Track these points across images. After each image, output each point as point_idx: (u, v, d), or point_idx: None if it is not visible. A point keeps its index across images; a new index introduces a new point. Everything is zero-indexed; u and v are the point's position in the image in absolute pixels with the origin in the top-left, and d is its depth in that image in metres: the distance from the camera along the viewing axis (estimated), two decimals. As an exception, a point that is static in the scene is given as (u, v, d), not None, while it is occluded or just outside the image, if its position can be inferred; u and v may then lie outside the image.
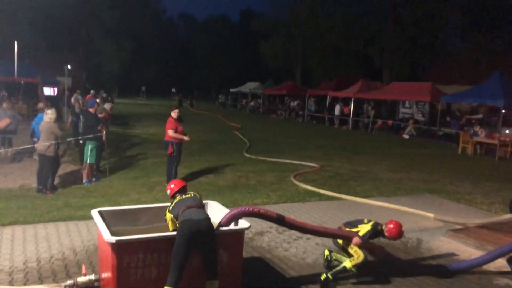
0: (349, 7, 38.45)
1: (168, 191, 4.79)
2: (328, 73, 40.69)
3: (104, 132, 9.84)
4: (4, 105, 11.91)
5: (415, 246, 6.38)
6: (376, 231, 5.11)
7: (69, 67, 26.40)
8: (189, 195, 4.62)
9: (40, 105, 9.68)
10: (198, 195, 4.68)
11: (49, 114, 8.61)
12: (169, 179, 9.02)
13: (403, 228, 5.15)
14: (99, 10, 45.78)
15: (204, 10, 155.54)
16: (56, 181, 9.14)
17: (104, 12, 46.12)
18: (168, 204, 4.67)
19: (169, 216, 4.53)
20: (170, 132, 9.19)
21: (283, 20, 45.42)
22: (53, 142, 8.41)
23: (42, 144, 8.44)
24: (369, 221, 5.24)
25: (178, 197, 4.60)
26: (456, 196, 9.47)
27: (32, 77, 20.79)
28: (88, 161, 9.37)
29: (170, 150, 9.22)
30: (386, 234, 5.11)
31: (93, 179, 9.47)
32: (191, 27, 75.99)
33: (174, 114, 9.35)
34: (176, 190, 4.73)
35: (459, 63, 31.07)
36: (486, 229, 6.87)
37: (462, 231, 6.85)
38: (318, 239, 6.17)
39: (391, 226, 5.09)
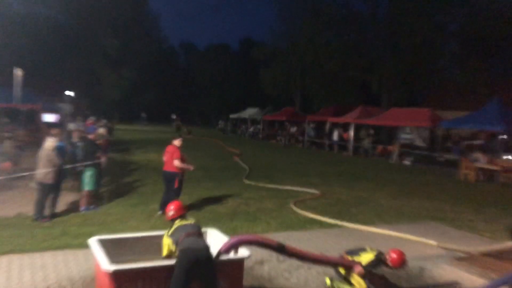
0: (347, 35, 39.03)
1: (172, 213, 4.72)
2: (327, 99, 41.00)
3: (103, 159, 9.81)
4: (6, 142, 11.88)
5: (417, 274, 6.27)
6: (379, 260, 5.04)
7: (70, 94, 26.67)
8: (190, 222, 4.58)
9: (55, 131, 9.60)
10: (197, 223, 4.63)
11: (50, 142, 8.57)
12: (163, 205, 8.79)
13: (405, 257, 5.08)
14: (100, 38, 46.49)
15: (204, 38, 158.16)
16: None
17: (105, 40, 46.83)
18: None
19: (167, 241, 4.45)
20: (177, 163, 8.79)
21: (282, 48, 46.10)
22: (51, 169, 8.35)
23: (40, 172, 8.38)
24: (371, 250, 5.17)
25: (177, 222, 4.55)
26: (459, 223, 9.38)
27: (33, 104, 20.90)
28: (86, 188, 9.30)
29: (176, 184, 8.89)
30: (389, 263, 5.04)
31: (91, 206, 9.37)
32: (191, 55, 77.00)
33: (178, 142, 9.00)
34: (178, 215, 4.69)
35: (458, 89, 31.29)
36: (490, 257, 6.76)
37: (465, 259, 6.74)
38: (320, 268, 6.06)
39: (394, 255, 5.03)
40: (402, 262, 5.04)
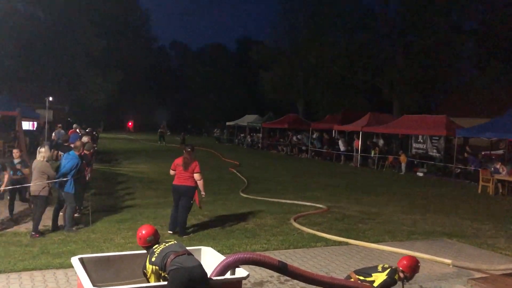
0: (354, 35, 39.25)
1: (150, 238, 4.70)
2: (333, 105, 41.15)
3: (88, 170, 9.83)
4: None
5: (433, 297, 6.29)
6: (393, 280, 5.05)
7: (50, 99, 26.74)
8: (172, 242, 4.60)
9: (78, 143, 9.69)
10: (181, 242, 4.66)
11: (43, 153, 8.67)
12: (184, 229, 8.84)
13: (418, 262, 5.27)
14: (84, 38, 46.58)
15: (198, 38, 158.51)
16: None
17: (90, 40, 46.92)
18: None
19: (151, 268, 4.43)
20: (200, 176, 8.80)
21: (284, 49, 46.27)
22: (46, 182, 8.47)
23: (35, 184, 8.48)
24: (383, 269, 5.18)
25: (158, 247, 4.56)
26: (477, 241, 9.40)
27: (10, 110, 20.92)
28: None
29: (197, 200, 8.89)
30: (402, 274, 5.10)
31: (74, 222, 9.37)
32: (184, 56, 77.30)
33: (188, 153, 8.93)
34: (157, 241, 4.70)
35: (476, 94, 31.46)
36: (512, 277, 6.78)
37: (485, 280, 6.75)
38: (325, 290, 6.07)
39: (405, 262, 5.21)
40: (415, 266, 5.18)
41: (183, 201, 8.85)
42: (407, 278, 5.17)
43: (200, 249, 5.47)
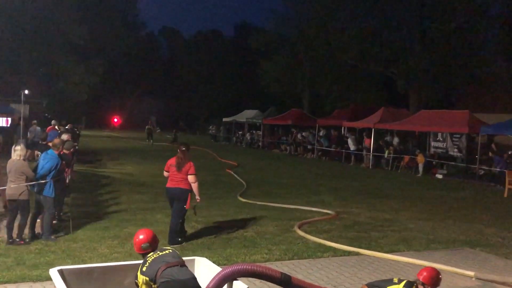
0: (366, 21, 39.09)
1: (145, 245, 4.71)
2: (342, 99, 41.11)
3: (68, 172, 9.83)
4: None
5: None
6: None
7: (26, 92, 26.73)
8: (167, 251, 4.61)
9: (57, 141, 9.68)
10: (177, 251, 4.66)
11: (18, 151, 8.69)
12: (174, 236, 8.83)
13: (439, 273, 5.27)
14: (64, 24, 46.47)
15: (191, 23, 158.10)
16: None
17: (70, 27, 46.81)
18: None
19: (142, 279, 4.46)
20: (194, 179, 8.85)
21: (287, 36, 46.14)
22: (25, 184, 8.50)
23: (13, 187, 8.47)
24: (400, 281, 5.20)
25: (152, 255, 4.57)
26: (503, 250, 9.42)
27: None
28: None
29: (188, 204, 8.91)
30: (425, 287, 5.12)
31: (52, 230, 9.38)
32: (175, 44, 77.13)
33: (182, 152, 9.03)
34: (153, 248, 4.70)
35: (502, 87, 31.41)
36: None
37: (512, 294, 6.77)
38: (333, 305, 6.09)
39: (425, 273, 5.21)
40: (436, 278, 5.20)
41: (176, 206, 8.90)
42: None
43: (193, 260, 5.49)
